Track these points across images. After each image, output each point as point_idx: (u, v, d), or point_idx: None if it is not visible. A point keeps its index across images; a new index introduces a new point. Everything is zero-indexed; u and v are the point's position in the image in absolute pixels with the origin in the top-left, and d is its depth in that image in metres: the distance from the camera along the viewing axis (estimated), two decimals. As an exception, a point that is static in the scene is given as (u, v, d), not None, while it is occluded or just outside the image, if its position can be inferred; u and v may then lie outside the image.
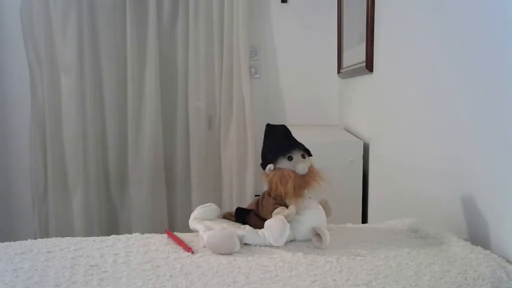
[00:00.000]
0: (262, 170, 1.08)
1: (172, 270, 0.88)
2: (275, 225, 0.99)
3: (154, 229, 1.24)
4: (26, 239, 1.05)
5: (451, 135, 1.18)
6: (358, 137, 2.18)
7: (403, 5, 1.58)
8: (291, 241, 1.02)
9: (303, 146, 1.07)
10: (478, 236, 1.02)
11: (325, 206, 1.09)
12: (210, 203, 1.15)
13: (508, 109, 0.90)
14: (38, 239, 1.04)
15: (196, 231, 1.07)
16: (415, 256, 0.93)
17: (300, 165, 1.03)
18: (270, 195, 1.06)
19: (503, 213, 0.93)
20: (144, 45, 2.80)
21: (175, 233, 1.06)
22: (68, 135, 2.78)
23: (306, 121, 2.92)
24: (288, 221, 0.99)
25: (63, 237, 1.06)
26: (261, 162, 1.08)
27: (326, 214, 1.07)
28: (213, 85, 2.85)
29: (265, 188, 1.09)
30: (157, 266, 0.90)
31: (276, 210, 1.02)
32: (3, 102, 2.92)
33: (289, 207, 1.01)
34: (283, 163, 1.04)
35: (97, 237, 1.06)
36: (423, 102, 1.38)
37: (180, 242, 1.01)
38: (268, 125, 1.12)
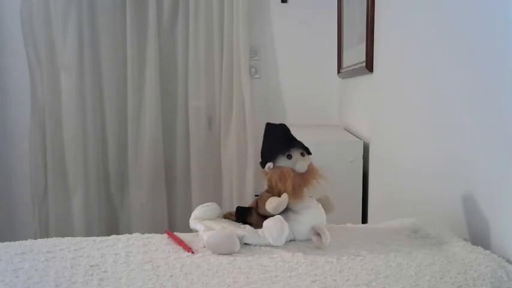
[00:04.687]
0: (261, 168, 1.08)
1: (172, 270, 0.88)
2: (273, 225, 0.99)
3: (154, 229, 1.24)
4: (26, 239, 1.05)
5: (451, 135, 1.18)
6: (358, 137, 2.18)
7: (403, 5, 1.58)
8: (291, 241, 1.02)
9: (302, 144, 1.07)
10: (478, 236, 1.02)
11: (326, 202, 1.09)
12: (210, 203, 1.15)
13: (508, 109, 0.90)
14: (38, 239, 1.04)
15: (196, 230, 1.07)
16: (415, 256, 0.93)
17: (299, 164, 1.03)
18: (268, 192, 1.06)
19: (503, 213, 0.93)
20: (144, 45, 2.80)
21: (175, 233, 1.06)
22: (68, 135, 2.78)
23: (306, 121, 2.92)
24: (280, 210, 1.00)
25: (63, 237, 1.06)
26: (260, 160, 1.08)
27: (328, 211, 1.07)
28: (213, 85, 2.85)
29: (265, 187, 1.09)
30: (157, 266, 0.90)
31: (268, 200, 1.02)
32: (3, 102, 2.92)
33: (281, 196, 1.01)
34: (283, 161, 1.04)
35: (97, 237, 1.06)
36: (423, 102, 1.38)
37: (180, 242, 1.01)
38: (268, 124, 1.12)
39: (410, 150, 1.49)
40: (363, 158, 2.03)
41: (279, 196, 1.03)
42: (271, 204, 1.01)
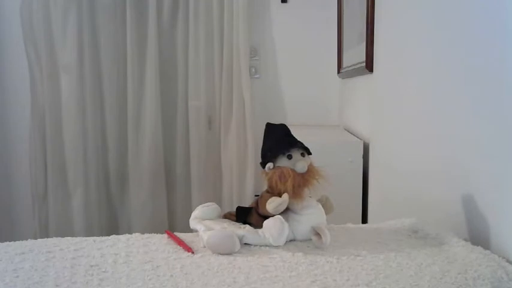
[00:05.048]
0: (262, 168, 1.08)
1: (172, 270, 0.88)
2: (274, 225, 0.99)
3: (154, 229, 1.24)
4: (26, 239, 1.05)
5: (451, 135, 1.18)
6: (358, 137, 2.18)
7: (403, 5, 1.58)
8: (291, 241, 1.02)
9: (303, 144, 1.07)
10: (478, 236, 1.02)
11: (326, 202, 1.09)
12: (210, 203, 1.15)
13: (507, 109, 0.90)
14: (38, 239, 1.04)
15: (196, 230, 1.07)
16: (415, 256, 0.93)
17: (300, 164, 1.03)
18: (269, 193, 1.06)
19: (503, 213, 0.93)
20: (144, 45, 2.80)
21: (175, 233, 1.06)
22: (68, 135, 2.79)
23: (306, 121, 2.92)
24: (281, 210, 1.00)
25: (63, 237, 1.06)
26: (260, 161, 1.08)
27: (327, 211, 1.07)
28: (213, 85, 2.85)
29: (265, 187, 1.09)
30: (158, 266, 0.90)
31: (268, 200, 1.02)
32: (3, 102, 2.92)
33: (282, 196, 1.01)
34: (283, 162, 1.04)
35: (97, 237, 1.06)
36: (423, 102, 1.38)
37: (180, 242, 1.01)
38: (268, 124, 1.12)
39: (410, 150, 1.49)
40: (363, 158, 2.03)
41: (279, 196, 1.03)
42: (272, 204, 1.01)
